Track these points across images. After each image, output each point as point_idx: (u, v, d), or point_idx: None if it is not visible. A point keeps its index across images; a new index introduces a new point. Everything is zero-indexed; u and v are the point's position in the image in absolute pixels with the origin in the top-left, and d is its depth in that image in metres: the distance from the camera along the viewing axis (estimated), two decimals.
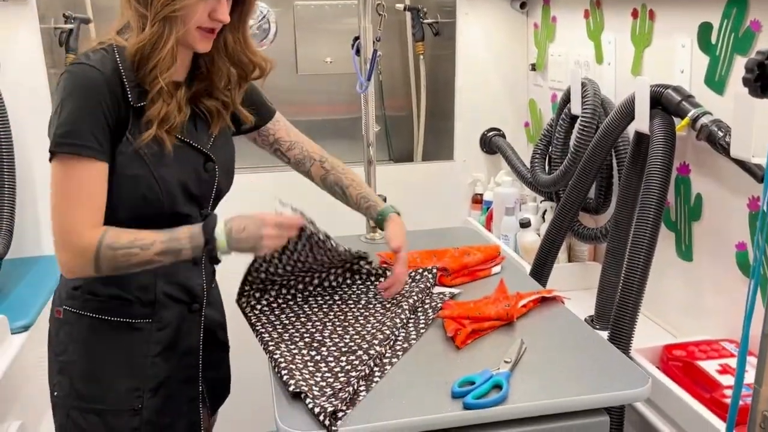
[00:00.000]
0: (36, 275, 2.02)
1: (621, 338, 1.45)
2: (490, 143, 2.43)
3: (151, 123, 1.18)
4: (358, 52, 1.85)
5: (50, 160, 1.16)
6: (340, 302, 1.42)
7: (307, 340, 1.27)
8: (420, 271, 1.51)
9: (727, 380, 1.30)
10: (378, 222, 1.48)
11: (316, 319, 1.35)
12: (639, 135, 1.59)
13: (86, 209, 1.15)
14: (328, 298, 1.44)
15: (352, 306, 1.40)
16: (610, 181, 1.85)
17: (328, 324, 1.32)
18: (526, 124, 2.46)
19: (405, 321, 1.30)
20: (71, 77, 1.15)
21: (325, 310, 1.38)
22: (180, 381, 1.32)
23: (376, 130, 1.95)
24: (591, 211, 1.91)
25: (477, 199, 2.44)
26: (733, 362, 1.36)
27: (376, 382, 1.12)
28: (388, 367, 1.17)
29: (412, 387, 1.11)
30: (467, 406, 1.04)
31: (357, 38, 1.86)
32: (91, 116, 1.14)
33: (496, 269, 1.61)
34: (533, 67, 2.33)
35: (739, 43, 1.38)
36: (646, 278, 1.46)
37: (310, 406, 1.03)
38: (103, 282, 1.24)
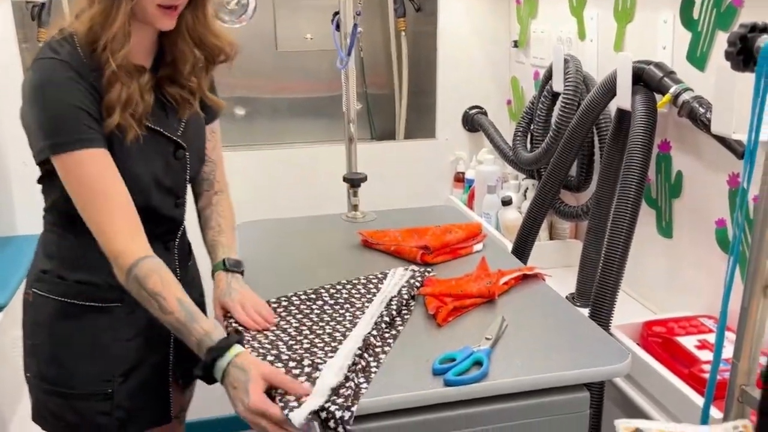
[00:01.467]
0: (10, 255, 1.99)
1: (601, 315, 1.46)
2: (473, 121, 2.42)
3: (112, 108, 1.14)
4: (338, 27, 1.82)
5: (42, 162, 1.14)
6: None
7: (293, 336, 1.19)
8: (410, 273, 1.42)
9: (706, 355, 1.31)
10: (213, 275, 1.36)
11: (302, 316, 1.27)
12: (621, 112, 1.59)
13: (115, 208, 1.13)
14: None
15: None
16: (592, 159, 1.85)
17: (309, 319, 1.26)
18: (508, 101, 2.44)
19: (387, 312, 1.25)
20: (40, 74, 1.12)
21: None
22: (152, 364, 1.31)
23: (358, 108, 1.93)
24: (572, 188, 1.91)
25: (459, 178, 2.43)
26: (711, 338, 1.37)
27: (374, 373, 1.08)
28: (382, 356, 1.13)
29: (392, 364, 1.11)
30: (448, 383, 1.04)
31: (337, 13, 1.83)
32: (74, 108, 1.11)
33: (477, 247, 1.60)
34: (515, 44, 2.32)
35: (722, 18, 1.38)
36: (626, 255, 1.46)
37: (324, 416, 0.97)
38: (72, 266, 1.23)
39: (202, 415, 2.45)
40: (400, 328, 1.22)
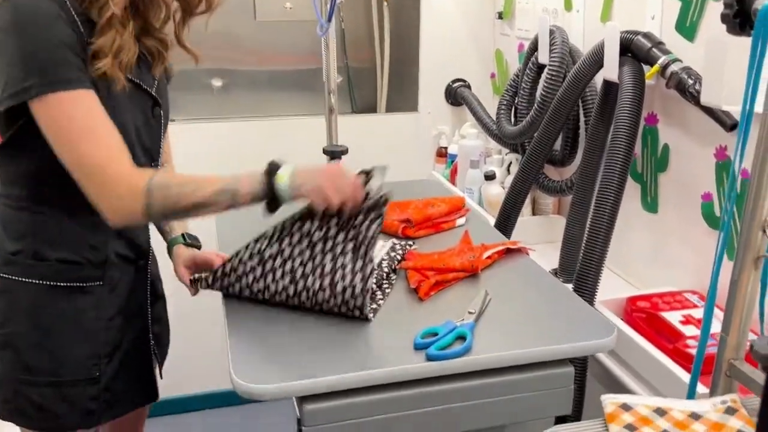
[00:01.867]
0: None
1: (585, 290, 1.44)
2: (456, 95, 2.38)
3: (103, 54, 1.05)
4: None
5: (10, 109, 1.02)
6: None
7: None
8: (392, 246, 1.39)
9: (690, 331, 1.30)
10: (168, 253, 1.35)
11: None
12: (607, 84, 1.55)
13: (114, 143, 1.05)
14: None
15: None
16: (577, 133, 1.82)
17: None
18: (492, 75, 2.40)
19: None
20: (17, 9, 0.99)
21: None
22: (132, 341, 1.26)
23: (338, 80, 1.87)
24: (556, 163, 1.87)
25: (441, 153, 2.39)
26: (696, 313, 1.36)
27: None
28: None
29: (373, 338, 1.07)
30: (430, 358, 1.01)
31: None
32: (59, 47, 1.00)
33: (460, 221, 1.57)
34: (500, 16, 2.27)
35: None
36: (612, 229, 1.44)
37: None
38: (51, 244, 1.14)
39: (179, 393, 2.42)
40: (381, 302, 1.19)
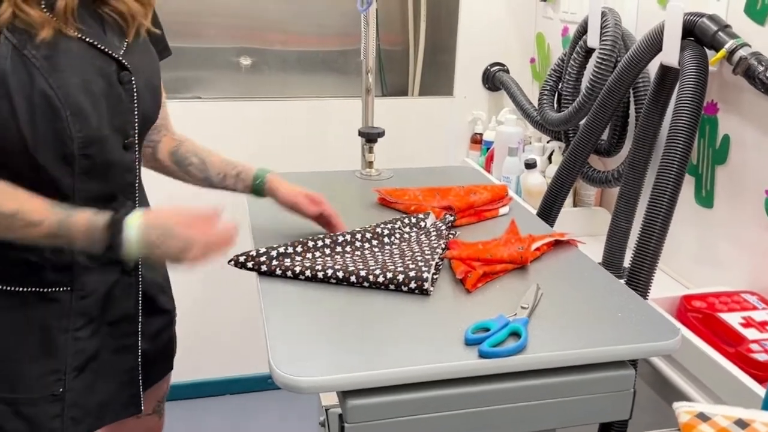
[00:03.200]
0: None
1: (638, 288, 1.36)
2: (494, 79, 2.29)
3: None
4: None
5: None
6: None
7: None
8: (428, 222, 1.35)
9: (752, 334, 1.21)
10: (257, 188, 1.24)
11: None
12: (665, 69, 1.46)
13: None
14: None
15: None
16: (626, 121, 1.73)
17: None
18: (532, 59, 2.31)
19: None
20: None
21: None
22: (113, 352, 1.13)
23: None
24: (602, 153, 1.79)
25: (476, 139, 2.31)
26: (757, 315, 1.27)
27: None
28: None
29: (420, 332, 1.00)
30: (483, 354, 0.93)
31: None
32: None
33: (503, 210, 1.49)
34: None
35: None
36: (667, 226, 1.36)
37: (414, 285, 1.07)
38: (4, 243, 0.98)
39: (191, 377, 2.37)
40: (436, 277, 1.15)
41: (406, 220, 1.33)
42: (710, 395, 1.18)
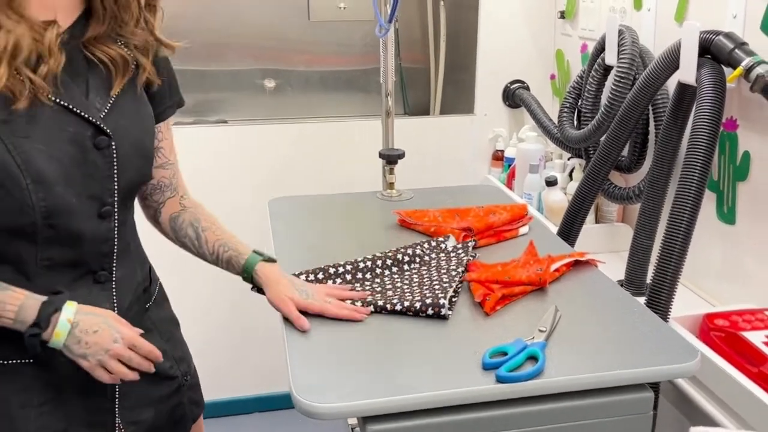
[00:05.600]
0: None
1: (658, 307, 1.35)
2: (514, 96, 2.30)
3: None
4: None
5: None
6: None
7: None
8: (449, 245, 1.37)
9: None
10: (246, 278, 1.14)
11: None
12: (682, 87, 1.46)
13: None
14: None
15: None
16: (646, 138, 1.73)
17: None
18: (552, 76, 2.32)
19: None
20: None
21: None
22: (84, 426, 1.02)
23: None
24: (623, 169, 1.79)
25: (498, 156, 2.32)
26: None
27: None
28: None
29: (438, 356, 1.02)
30: (501, 379, 0.95)
31: None
32: None
33: (523, 230, 1.50)
34: (562, 15, 2.18)
35: None
36: (688, 243, 1.35)
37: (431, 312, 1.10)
38: None
39: (221, 396, 2.40)
40: (455, 300, 1.17)
41: (426, 245, 1.35)
42: (733, 416, 1.17)
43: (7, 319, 0.91)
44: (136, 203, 1.13)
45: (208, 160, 2.19)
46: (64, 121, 0.92)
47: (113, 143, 0.96)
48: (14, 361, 0.97)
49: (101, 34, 0.96)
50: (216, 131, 2.24)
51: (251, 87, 2.42)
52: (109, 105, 0.97)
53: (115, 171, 0.98)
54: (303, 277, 1.21)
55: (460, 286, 1.22)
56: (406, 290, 1.18)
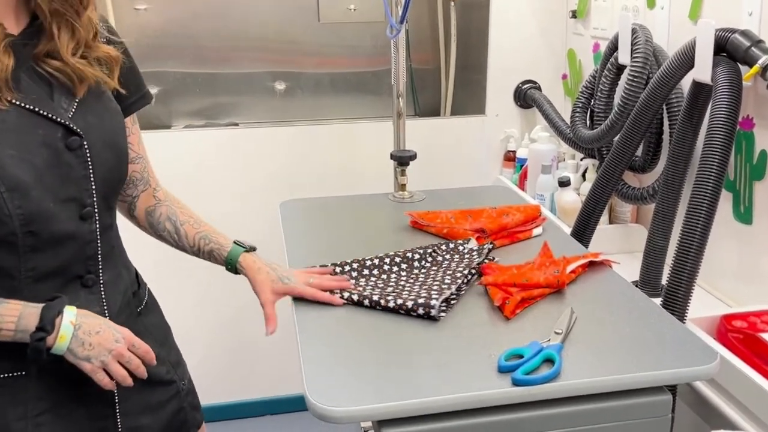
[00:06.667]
0: None
1: (675, 308, 1.33)
2: (525, 96, 2.29)
3: None
4: None
5: None
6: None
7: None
8: (468, 247, 1.36)
9: None
10: (229, 269, 1.17)
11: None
12: (697, 85, 1.44)
13: None
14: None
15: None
16: (660, 137, 1.71)
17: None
18: (563, 76, 2.30)
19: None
20: None
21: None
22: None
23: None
24: (636, 169, 1.77)
25: (510, 157, 2.30)
26: None
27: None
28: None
29: (454, 359, 1.01)
30: (517, 382, 0.94)
31: None
32: None
33: (537, 231, 1.49)
34: (573, 14, 2.17)
35: None
36: (704, 244, 1.33)
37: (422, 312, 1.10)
38: None
39: (231, 399, 2.40)
40: (453, 302, 1.17)
41: (444, 246, 1.34)
42: (753, 418, 1.16)
43: (7, 331, 0.90)
44: None
45: (219, 163, 2.19)
46: (33, 124, 0.91)
47: (85, 143, 0.96)
48: (7, 375, 0.96)
49: (54, 49, 0.94)
50: (227, 134, 2.25)
51: (262, 90, 2.42)
52: (75, 105, 0.96)
53: (90, 170, 0.97)
54: None
55: (465, 288, 1.21)
56: (406, 288, 1.18)
